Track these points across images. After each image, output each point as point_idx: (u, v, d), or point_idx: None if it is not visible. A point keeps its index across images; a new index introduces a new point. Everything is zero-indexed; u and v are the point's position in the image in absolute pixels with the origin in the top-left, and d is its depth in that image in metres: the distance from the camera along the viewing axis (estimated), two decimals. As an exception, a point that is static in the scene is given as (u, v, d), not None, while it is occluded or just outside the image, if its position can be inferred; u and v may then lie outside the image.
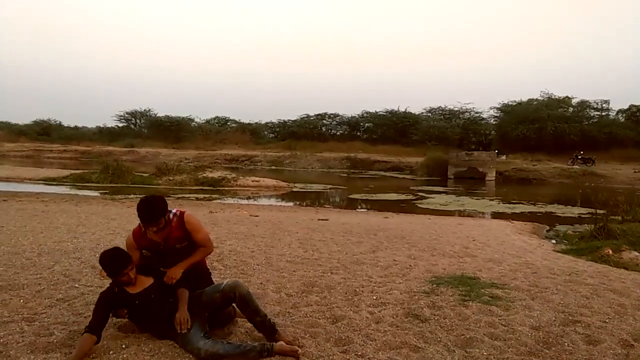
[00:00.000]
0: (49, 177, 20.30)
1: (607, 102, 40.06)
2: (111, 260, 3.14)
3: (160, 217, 3.27)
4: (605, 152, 33.57)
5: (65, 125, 62.13)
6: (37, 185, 18.46)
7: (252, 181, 21.20)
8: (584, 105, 40.29)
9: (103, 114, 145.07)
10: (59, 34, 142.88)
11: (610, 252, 7.02)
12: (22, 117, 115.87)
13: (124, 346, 3.09)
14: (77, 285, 4.43)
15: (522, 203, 17.28)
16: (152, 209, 3.25)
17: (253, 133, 53.01)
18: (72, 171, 22.26)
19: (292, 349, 3.07)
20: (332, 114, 53.33)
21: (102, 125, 60.00)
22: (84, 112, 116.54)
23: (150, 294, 3.21)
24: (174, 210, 3.45)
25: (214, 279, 4.81)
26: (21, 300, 3.95)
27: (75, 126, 63.08)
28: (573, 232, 10.41)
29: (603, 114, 40.23)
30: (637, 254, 6.94)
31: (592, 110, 40.66)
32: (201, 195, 16.68)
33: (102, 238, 6.78)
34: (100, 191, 16.96)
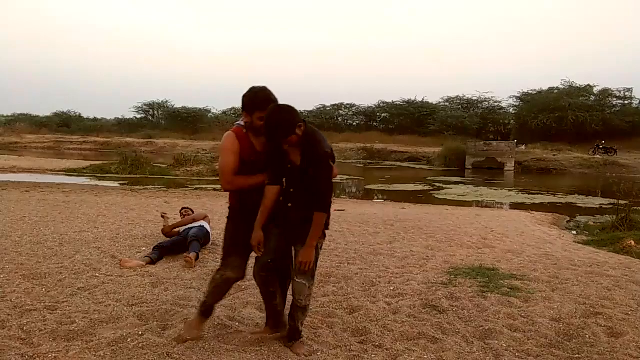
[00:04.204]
0: (69, 168, 20.60)
1: (630, 90, 39.15)
2: None
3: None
4: (628, 142, 32.83)
5: (85, 117, 62.93)
6: (58, 176, 18.74)
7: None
8: (606, 93, 39.40)
9: (121, 106, 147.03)
10: (78, 28, 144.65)
11: (633, 243, 6.88)
12: (43, 109, 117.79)
13: (140, 333, 3.14)
14: (97, 275, 4.49)
15: (541, 193, 17.05)
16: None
17: (269, 124, 53.01)
18: (92, 162, 22.56)
19: None
20: (348, 104, 53.09)
21: (120, 117, 60.66)
22: (102, 103, 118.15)
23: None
24: None
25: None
26: (43, 289, 4.02)
27: (95, 118, 63.85)
28: (594, 223, 10.24)
29: (626, 102, 39.32)
30: (661, 245, 6.79)
31: (615, 99, 39.80)
32: (219, 186, 16.72)
33: (121, 228, 6.87)
34: (120, 182, 17.16)
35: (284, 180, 2.86)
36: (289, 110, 2.71)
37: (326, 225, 2.90)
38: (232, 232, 3.04)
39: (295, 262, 2.88)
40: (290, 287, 3.01)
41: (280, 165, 2.83)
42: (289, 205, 2.86)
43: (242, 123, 2.95)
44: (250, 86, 2.89)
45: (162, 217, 6.16)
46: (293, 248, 2.94)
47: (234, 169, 2.88)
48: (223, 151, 2.90)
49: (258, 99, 2.82)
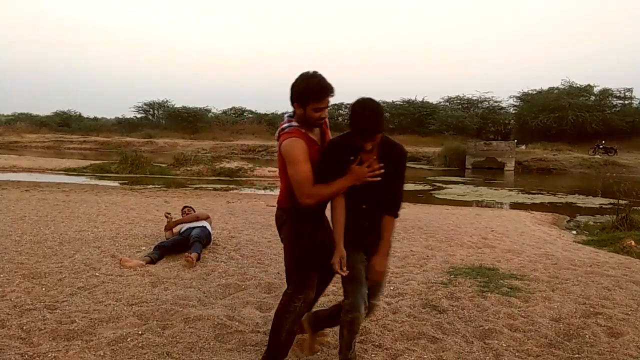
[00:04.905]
0: (69, 168, 20.59)
1: (630, 90, 39.06)
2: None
3: None
4: (628, 142, 32.80)
5: (85, 116, 62.85)
6: (58, 175, 18.75)
7: (269, 171, 21.23)
8: (606, 93, 39.32)
9: (121, 105, 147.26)
10: (78, 28, 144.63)
11: (633, 243, 6.88)
12: (43, 108, 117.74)
13: (140, 332, 3.14)
14: (97, 274, 4.49)
15: (541, 193, 17.03)
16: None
17: (269, 123, 52.89)
18: (92, 162, 22.53)
19: None
20: (348, 104, 52.71)
21: (120, 116, 60.57)
22: (102, 103, 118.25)
23: None
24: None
25: (231, 269, 4.85)
26: (43, 289, 4.02)
27: (95, 117, 63.72)
28: (594, 222, 10.23)
29: (626, 102, 39.24)
30: (661, 245, 6.79)
31: (615, 99, 39.71)
32: (218, 186, 16.77)
33: (121, 227, 6.86)
34: (120, 181, 17.16)
35: (348, 196, 2.56)
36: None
37: None
38: (300, 246, 2.65)
39: (369, 274, 2.62)
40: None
41: (344, 172, 2.50)
42: (366, 224, 2.61)
43: (296, 124, 2.58)
44: (301, 73, 2.54)
45: (166, 216, 6.16)
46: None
47: (311, 179, 2.48)
48: (294, 160, 2.47)
49: (313, 88, 2.48)
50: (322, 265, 2.65)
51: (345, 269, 2.50)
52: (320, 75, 2.51)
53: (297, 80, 2.53)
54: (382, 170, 2.48)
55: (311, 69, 2.54)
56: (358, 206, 2.58)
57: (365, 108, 2.42)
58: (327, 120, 2.66)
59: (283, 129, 2.59)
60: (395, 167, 2.56)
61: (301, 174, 2.47)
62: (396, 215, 2.64)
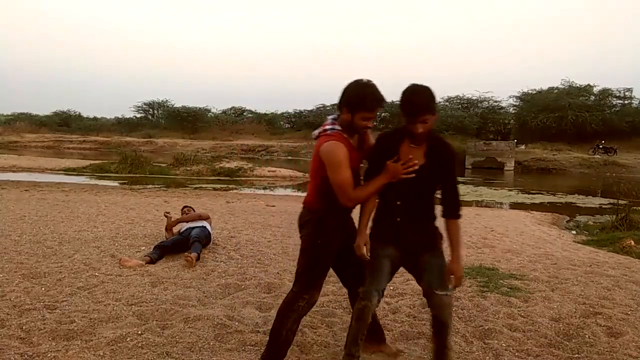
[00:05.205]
0: (69, 168, 20.59)
1: (630, 90, 39.07)
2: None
3: None
4: (628, 142, 32.83)
5: (85, 116, 62.86)
6: (57, 175, 18.75)
7: (269, 171, 21.26)
8: (605, 93, 39.33)
9: (121, 105, 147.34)
10: (78, 28, 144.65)
11: (632, 243, 6.88)
12: (43, 108, 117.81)
13: (139, 332, 3.14)
14: (97, 274, 4.49)
15: (541, 193, 17.04)
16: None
17: (269, 123, 52.97)
18: (92, 161, 22.52)
19: None
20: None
21: (120, 116, 60.60)
22: (102, 103, 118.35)
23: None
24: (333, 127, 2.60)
25: (231, 269, 4.85)
26: (43, 288, 4.01)
27: (94, 117, 63.77)
28: (594, 222, 10.24)
29: (625, 102, 39.26)
30: (661, 245, 6.79)
31: (614, 99, 39.71)
32: (218, 186, 16.77)
33: (121, 227, 6.86)
34: (119, 181, 17.15)
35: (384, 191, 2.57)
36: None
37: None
38: (318, 247, 2.63)
39: (443, 278, 2.56)
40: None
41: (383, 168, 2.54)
42: (398, 220, 2.59)
43: (339, 127, 2.57)
44: (356, 79, 2.54)
45: (165, 216, 6.16)
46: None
47: (352, 183, 2.53)
48: (337, 164, 2.48)
49: (366, 97, 2.50)
50: (348, 257, 2.70)
51: (369, 255, 2.54)
52: (374, 85, 2.52)
53: (350, 86, 2.52)
54: (417, 167, 2.49)
55: (365, 77, 2.53)
56: (392, 202, 2.59)
57: (414, 90, 2.46)
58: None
59: (325, 130, 2.59)
60: (441, 165, 2.53)
61: (344, 178, 2.49)
62: (458, 216, 2.65)
